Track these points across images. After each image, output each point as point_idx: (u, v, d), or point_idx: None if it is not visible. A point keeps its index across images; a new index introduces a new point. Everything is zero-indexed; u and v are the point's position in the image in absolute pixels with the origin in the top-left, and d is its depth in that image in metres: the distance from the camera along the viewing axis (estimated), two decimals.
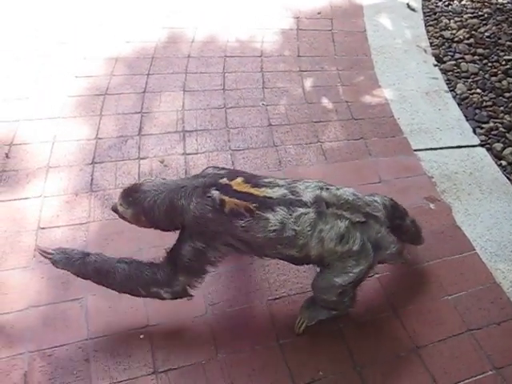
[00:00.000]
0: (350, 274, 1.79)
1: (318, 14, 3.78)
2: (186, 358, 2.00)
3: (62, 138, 2.73)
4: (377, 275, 2.27)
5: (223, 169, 1.93)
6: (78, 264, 1.89)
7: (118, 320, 2.09)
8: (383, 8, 3.89)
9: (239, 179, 1.77)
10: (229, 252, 1.86)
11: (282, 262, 2.04)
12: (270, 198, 1.72)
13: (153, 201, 1.80)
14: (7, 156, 2.63)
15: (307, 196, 1.73)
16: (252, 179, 1.80)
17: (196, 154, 2.72)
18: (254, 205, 1.70)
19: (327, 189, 1.79)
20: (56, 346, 2.00)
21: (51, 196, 2.47)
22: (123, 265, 1.88)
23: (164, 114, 2.91)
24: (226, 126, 2.88)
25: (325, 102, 3.12)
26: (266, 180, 1.80)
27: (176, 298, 1.93)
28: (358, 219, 1.76)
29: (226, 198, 1.72)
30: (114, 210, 1.94)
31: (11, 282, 2.16)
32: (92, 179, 2.55)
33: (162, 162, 2.65)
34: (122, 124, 2.83)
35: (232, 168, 2.14)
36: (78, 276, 1.96)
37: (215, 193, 1.73)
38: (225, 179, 1.77)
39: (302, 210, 1.71)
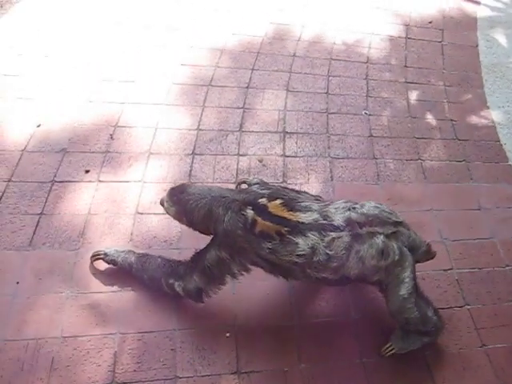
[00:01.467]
0: (406, 280, 1.87)
1: (429, 23, 3.70)
2: (269, 363, 2.04)
3: (164, 125, 2.81)
4: (468, 306, 2.24)
5: (268, 188, 1.99)
6: (123, 255, 2.14)
7: (206, 315, 2.15)
8: (499, 23, 3.76)
9: (278, 201, 1.85)
10: (253, 268, 1.95)
11: None
12: (303, 223, 1.79)
13: (194, 204, 1.94)
14: (112, 137, 2.74)
15: (338, 219, 1.81)
16: (290, 202, 1.86)
17: (295, 157, 2.74)
18: (285, 229, 1.79)
19: (354, 208, 1.85)
20: (145, 332, 2.08)
21: (150, 182, 2.56)
22: (159, 258, 2.10)
23: (266, 112, 2.94)
24: (326, 132, 2.88)
25: (429, 117, 3.06)
26: (302, 204, 1.86)
27: (187, 296, 2.04)
28: (390, 231, 1.83)
29: (259, 220, 1.81)
30: (161, 204, 2.06)
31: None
32: (191, 170, 2.62)
33: (260, 161, 2.68)
34: (223, 118, 2.88)
35: (282, 187, 2.15)
36: (121, 267, 2.15)
37: (250, 212, 1.83)
38: (264, 200, 1.86)
39: (333, 234, 1.79)
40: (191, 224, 2.02)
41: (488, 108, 3.15)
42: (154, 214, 2.43)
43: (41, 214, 2.39)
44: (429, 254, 2.03)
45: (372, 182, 2.68)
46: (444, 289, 2.31)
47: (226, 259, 1.89)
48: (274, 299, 2.22)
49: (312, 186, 2.61)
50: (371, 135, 2.91)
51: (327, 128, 2.91)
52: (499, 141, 2.97)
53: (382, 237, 1.80)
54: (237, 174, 2.62)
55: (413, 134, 2.94)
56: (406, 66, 3.35)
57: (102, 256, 2.19)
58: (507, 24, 3.75)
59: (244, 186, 2.25)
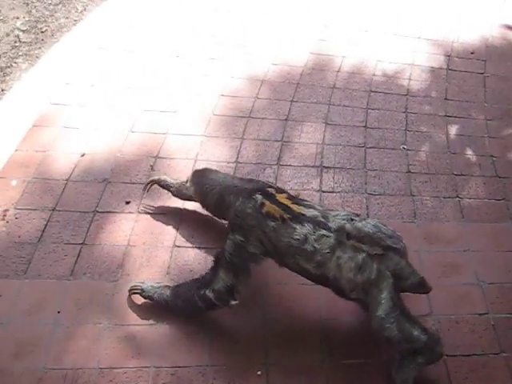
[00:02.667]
0: (383, 301, 1.92)
1: (472, 53, 3.69)
2: None
3: (204, 157, 2.90)
4: (504, 354, 2.22)
5: (273, 184, 2.26)
6: (159, 291, 2.23)
7: (238, 351, 2.20)
8: None
9: (284, 194, 2.08)
10: (261, 251, 2.08)
11: None
12: (304, 214, 1.99)
13: (210, 189, 2.20)
14: (152, 168, 2.83)
15: (333, 223, 1.97)
16: (295, 199, 2.09)
17: (331, 192, 2.78)
18: (288, 215, 1.99)
19: (352, 220, 1.98)
20: (179, 366, 2.14)
21: (188, 215, 2.63)
22: (188, 280, 2.23)
23: (304, 146, 2.99)
24: (364, 167, 2.91)
25: (468, 153, 3.05)
26: (306, 202, 2.08)
27: (219, 300, 2.10)
28: (375, 252, 1.91)
29: (267, 203, 2.02)
30: (187, 181, 2.36)
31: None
32: None
33: (297, 196, 2.72)
34: (262, 151, 2.95)
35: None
36: (158, 303, 2.24)
37: (259, 196, 2.05)
38: (272, 190, 2.09)
39: (324, 231, 1.95)
40: (204, 205, 2.32)
41: None
42: (192, 247, 2.51)
43: (82, 243, 2.50)
44: (421, 288, 2.06)
45: (408, 220, 2.69)
46: (479, 334, 2.29)
47: (241, 242, 2.05)
48: (304, 337, 2.26)
49: None
50: (409, 171, 2.92)
51: (365, 163, 2.93)
52: None
53: (364, 254, 1.91)
54: None
55: (451, 171, 2.94)
56: (446, 99, 3.35)
57: (138, 291, 2.28)
58: None
59: None
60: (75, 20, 3.96)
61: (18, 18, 3.93)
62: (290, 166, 2.89)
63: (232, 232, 2.08)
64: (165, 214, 2.64)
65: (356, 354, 2.22)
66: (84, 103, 3.18)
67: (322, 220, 1.98)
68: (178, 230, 2.57)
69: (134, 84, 3.31)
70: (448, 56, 3.65)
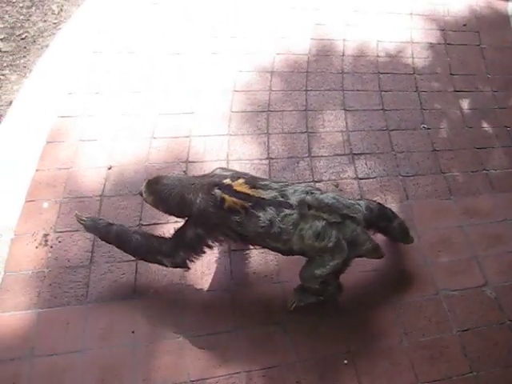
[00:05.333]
0: (327, 267, 2.22)
1: (464, 25, 3.95)
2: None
3: (235, 157, 3.02)
4: None
5: (229, 171, 2.40)
6: (103, 230, 2.41)
7: (320, 344, 2.39)
8: None
9: (241, 180, 2.22)
10: (225, 240, 2.36)
11: (465, 293, 2.51)
12: (263, 199, 2.16)
13: (168, 194, 2.30)
14: (185, 173, 2.92)
15: (293, 199, 2.16)
16: (252, 181, 2.24)
17: (368, 178, 2.98)
18: (249, 204, 2.16)
19: (312, 193, 2.20)
20: (268, 367, 2.31)
21: None
22: (137, 235, 2.40)
23: (330, 135, 3.16)
24: (392, 150, 3.13)
25: (484, 126, 3.33)
26: (263, 183, 2.24)
27: (176, 267, 2.40)
28: (334, 220, 2.16)
29: (226, 197, 2.18)
30: (140, 194, 2.44)
31: (217, 303, 2.48)
32: None
33: (336, 186, 2.92)
34: (290, 144, 3.10)
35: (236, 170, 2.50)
36: (102, 240, 2.46)
37: (218, 191, 2.19)
38: (228, 180, 2.23)
39: (287, 211, 2.14)
40: (167, 211, 2.40)
41: None
42: (248, 250, 2.64)
43: (136, 259, 2.58)
44: (375, 253, 2.39)
45: (445, 198, 2.94)
46: None
47: (201, 234, 2.26)
48: (379, 321, 2.48)
49: (391, 206, 2.83)
50: (434, 149, 3.16)
51: (391, 146, 3.15)
52: None
53: (323, 222, 2.14)
54: None
55: (473, 145, 3.21)
56: (451, 74, 3.60)
57: (82, 224, 2.42)
58: None
59: None
60: (54, 23, 3.92)
61: None
62: (321, 156, 3.06)
63: (195, 226, 2.27)
64: None
65: (430, 331, 2.45)
66: (94, 113, 3.21)
67: (282, 199, 2.17)
68: None
69: (140, 87, 3.36)
70: (443, 30, 3.90)
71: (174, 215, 2.44)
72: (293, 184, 2.29)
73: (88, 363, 2.29)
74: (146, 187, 2.38)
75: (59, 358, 2.30)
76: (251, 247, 2.55)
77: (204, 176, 2.38)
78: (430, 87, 3.51)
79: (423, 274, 2.64)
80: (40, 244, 2.64)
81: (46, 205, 2.79)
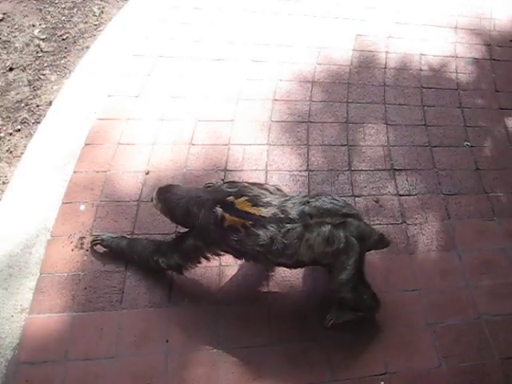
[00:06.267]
0: (348, 267, 2.23)
1: (511, 41, 3.90)
2: None
3: (274, 167, 3.01)
4: None
5: (235, 186, 2.38)
6: (116, 240, 2.57)
7: (357, 364, 2.36)
8: None
9: (243, 198, 2.26)
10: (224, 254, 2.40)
11: (508, 319, 2.47)
12: (264, 217, 2.20)
13: (176, 203, 2.38)
14: (222, 181, 2.92)
15: (293, 213, 2.19)
16: (254, 199, 2.26)
17: (409, 195, 2.94)
18: (249, 222, 2.19)
19: (308, 202, 2.23)
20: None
21: None
22: (145, 240, 2.58)
23: (370, 149, 3.14)
24: (433, 167, 3.09)
25: None
26: (264, 200, 2.26)
27: (169, 269, 2.49)
28: (337, 221, 2.19)
29: (227, 216, 2.22)
30: (151, 200, 2.51)
31: (253, 315, 2.46)
32: None
33: (376, 201, 2.89)
34: (330, 156, 3.08)
35: (247, 183, 2.46)
36: (115, 251, 2.58)
37: (219, 210, 2.24)
38: (231, 197, 2.26)
39: (289, 225, 2.17)
40: (173, 219, 2.49)
41: None
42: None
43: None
44: (382, 243, 2.40)
45: (488, 218, 2.90)
46: None
47: (200, 246, 2.33)
48: (416, 343, 2.44)
49: (431, 225, 2.82)
50: (477, 168, 3.12)
51: (433, 163, 3.11)
52: None
53: (329, 226, 2.17)
54: None
55: None
56: (496, 91, 3.56)
57: (99, 241, 2.59)
58: None
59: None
60: (95, 24, 3.97)
61: (34, 25, 3.91)
62: (361, 170, 3.04)
63: (195, 237, 2.33)
64: None
65: (470, 357, 2.41)
66: (134, 116, 3.23)
67: (283, 216, 2.19)
68: None
69: (180, 92, 3.37)
70: (488, 45, 3.86)
71: (179, 224, 2.52)
72: (292, 197, 2.33)
73: (121, 370, 2.29)
74: (156, 194, 2.45)
75: (92, 363, 2.30)
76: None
77: (211, 190, 2.47)
78: (474, 104, 3.47)
79: (464, 297, 2.59)
80: (76, 247, 2.65)
81: (82, 207, 2.81)
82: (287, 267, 2.42)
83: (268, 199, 2.28)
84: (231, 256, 2.42)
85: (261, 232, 2.18)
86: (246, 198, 2.26)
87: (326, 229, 2.17)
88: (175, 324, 2.44)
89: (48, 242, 2.66)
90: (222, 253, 2.38)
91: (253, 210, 2.22)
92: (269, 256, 2.25)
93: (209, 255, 2.37)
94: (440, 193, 2.98)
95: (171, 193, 2.43)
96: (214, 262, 2.59)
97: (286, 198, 2.31)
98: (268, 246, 2.20)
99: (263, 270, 2.59)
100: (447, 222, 2.86)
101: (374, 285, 2.43)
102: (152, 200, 2.49)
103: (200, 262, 2.42)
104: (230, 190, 2.34)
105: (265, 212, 2.21)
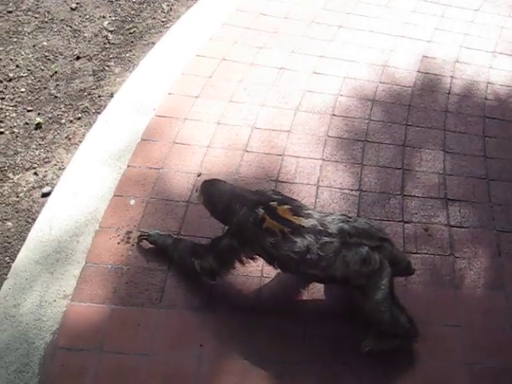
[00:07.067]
0: (383, 287, 2.27)
1: None
2: None
3: (326, 183, 3.01)
4: None
5: (280, 195, 2.49)
6: (163, 237, 2.63)
7: None
8: None
9: (286, 206, 2.32)
10: (253, 259, 2.42)
11: None
12: (303, 226, 2.25)
13: (218, 198, 2.46)
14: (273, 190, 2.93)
15: (333, 228, 2.25)
16: (296, 209, 2.32)
17: (460, 227, 2.90)
18: (288, 229, 2.24)
19: (347, 221, 2.29)
20: None
21: None
22: (189, 241, 2.62)
23: (425, 175, 3.11)
24: (489, 201, 3.04)
25: None
26: (306, 211, 2.32)
27: (203, 274, 2.48)
28: (374, 244, 2.25)
29: (267, 218, 2.27)
30: (196, 190, 2.58)
31: (289, 330, 2.47)
32: None
33: (426, 230, 2.86)
34: (383, 178, 3.07)
35: (290, 197, 2.53)
36: (160, 248, 2.64)
37: (261, 211, 2.29)
38: (275, 203, 2.32)
39: (326, 239, 2.23)
40: (213, 213, 2.53)
41: None
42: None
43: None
44: (408, 270, 2.48)
45: None
46: None
47: (236, 247, 2.35)
48: (455, 382, 2.41)
49: (480, 261, 2.77)
50: None
51: (489, 196, 3.06)
52: None
53: (366, 248, 2.23)
54: (404, 243, 2.80)
55: None
56: None
57: (145, 237, 2.65)
58: None
59: None
60: (162, 21, 4.05)
61: (104, 17, 4.02)
62: (414, 196, 3.01)
63: (231, 236, 2.37)
64: None
65: None
66: (191, 117, 3.28)
67: (322, 228, 2.25)
68: None
69: (239, 98, 3.41)
70: None
71: (217, 219, 2.56)
72: (331, 214, 2.41)
73: (153, 368, 2.33)
74: (201, 186, 2.54)
75: (126, 357, 2.36)
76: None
77: (255, 192, 2.47)
78: None
79: (507, 340, 2.54)
80: (122, 240, 2.72)
81: (132, 202, 2.87)
82: (316, 280, 2.47)
83: (309, 212, 2.34)
84: (273, 268, 2.44)
85: (298, 240, 2.23)
86: (288, 206, 2.33)
87: (364, 250, 2.23)
88: (211, 329, 2.47)
89: (96, 232, 2.74)
90: (256, 256, 2.41)
91: (293, 219, 2.27)
92: (301, 265, 2.28)
93: (243, 258, 2.40)
94: (493, 228, 2.93)
95: (215, 187, 2.52)
96: (256, 272, 2.64)
97: (326, 214, 2.38)
98: (303, 255, 2.24)
99: (304, 286, 2.60)
100: (497, 260, 2.81)
101: (415, 315, 2.42)
102: (196, 191, 2.57)
103: (234, 267, 2.44)
104: (274, 196, 2.42)
105: (305, 222, 2.26)
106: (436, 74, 3.70)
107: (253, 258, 2.43)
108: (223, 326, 2.48)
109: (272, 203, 2.33)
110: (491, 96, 3.61)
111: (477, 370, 2.43)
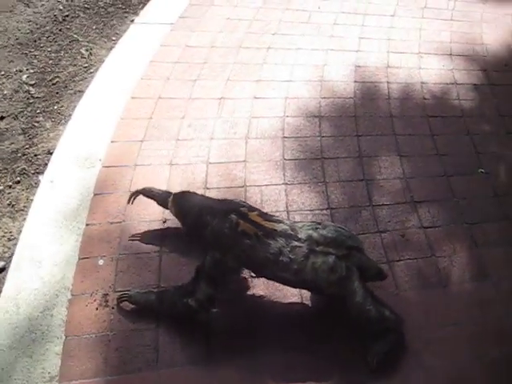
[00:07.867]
0: (357, 289, 2.36)
1: (505, 66, 4.05)
2: None
3: (294, 207, 3.00)
4: None
5: (246, 203, 2.62)
6: (145, 295, 2.54)
7: None
8: None
9: (255, 212, 2.43)
10: (239, 266, 2.46)
11: None
12: (275, 230, 2.35)
13: (188, 210, 2.55)
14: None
15: (302, 234, 2.35)
16: (266, 215, 2.46)
17: (433, 227, 2.99)
18: (261, 233, 2.33)
19: (316, 229, 2.38)
20: None
21: None
22: (172, 288, 2.55)
23: (388, 182, 3.18)
24: (453, 197, 3.15)
25: None
26: (275, 218, 2.46)
27: (201, 308, 2.42)
28: (341, 253, 2.34)
29: (241, 222, 2.36)
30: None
31: (297, 364, 2.43)
32: None
33: (402, 236, 2.92)
34: (349, 193, 3.10)
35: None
36: (145, 307, 2.54)
37: (234, 216, 2.37)
38: (245, 209, 2.44)
39: (296, 243, 2.32)
40: (183, 225, 2.62)
41: None
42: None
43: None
44: (380, 276, 2.54)
45: None
46: None
47: (219, 258, 2.37)
48: (466, 380, 2.45)
49: (460, 256, 2.86)
50: (496, 195, 3.19)
51: (452, 192, 3.17)
52: None
53: (333, 257, 2.32)
54: (385, 253, 2.84)
55: None
56: (501, 116, 3.67)
57: (126, 298, 2.54)
58: None
59: None
60: (85, 67, 3.93)
61: (21, 71, 3.84)
62: (383, 205, 3.07)
63: (211, 250, 2.39)
64: None
65: None
66: (141, 162, 3.18)
67: (292, 233, 2.35)
68: None
69: (185, 135, 3.36)
70: (485, 71, 3.99)
71: (188, 231, 2.61)
72: (301, 221, 2.53)
73: None
74: (172, 197, 2.64)
75: None
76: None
77: (223, 201, 2.58)
78: (482, 130, 3.57)
79: (506, 327, 2.62)
80: (100, 305, 2.58)
81: (101, 262, 2.74)
82: (290, 285, 2.51)
83: (279, 218, 2.47)
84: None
85: (271, 242, 2.31)
86: (258, 212, 2.45)
87: (331, 259, 2.31)
88: (218, 381, 2.38)
89: (69, 301, 2.58)
90: (235, 262, 2.40)
91: (265, 223, 2.37)
92: (274, 267, 2.34)
93: (231, 264, 2.40)
94: (463, 222, 3.04)
95: (185, 199, 2.62)
96: (252, 316, 2.58)
97: (296, 221, 2.52)
98: (276, 256, 2.31)
99: (308, 320, 2.58)
100: (475, 251, 2.91)
101: (412, 321, 2.48)
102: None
103: (227, 282, 2.46)
104: (242, 203, 2.55)
105: (276, 226, 2.36)
106: (372, 82, 3.81)
107: (239, 268, 2.46)
108: (230, 376, 2.39)
109: (242, 209, 2.43)
110: (428, 95, 3.76)
111: (489, 361, 2.48)
